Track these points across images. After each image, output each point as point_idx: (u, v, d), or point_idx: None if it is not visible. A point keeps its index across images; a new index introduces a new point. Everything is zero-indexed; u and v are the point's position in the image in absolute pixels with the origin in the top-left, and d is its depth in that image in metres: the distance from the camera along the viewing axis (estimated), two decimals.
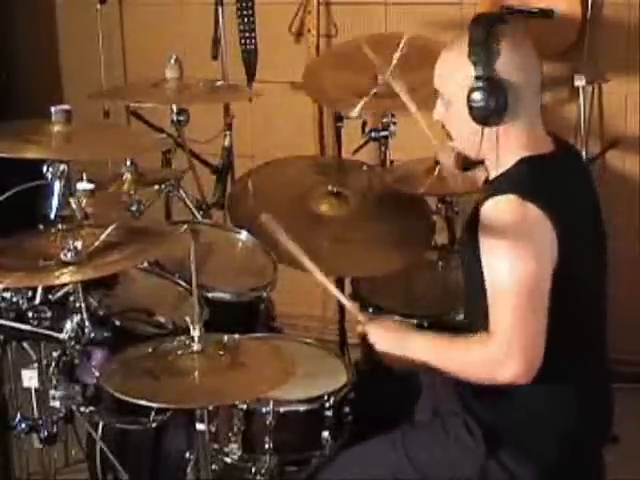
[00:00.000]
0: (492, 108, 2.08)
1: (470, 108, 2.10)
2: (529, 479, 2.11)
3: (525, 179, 2.11)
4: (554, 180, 2.14)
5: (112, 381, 2.12)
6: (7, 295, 2.33)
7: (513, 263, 2.02)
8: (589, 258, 2.15)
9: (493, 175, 2.19)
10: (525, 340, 2.00)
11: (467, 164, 2.27)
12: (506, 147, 2.14)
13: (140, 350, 2.22)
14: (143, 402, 2.02)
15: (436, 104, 2.23)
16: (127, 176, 2.85)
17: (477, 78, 2.09)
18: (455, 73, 2.15)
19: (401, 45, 3.00)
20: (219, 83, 3.37)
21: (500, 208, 2.06)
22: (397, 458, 2.18)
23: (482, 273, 2.07)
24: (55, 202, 2.40)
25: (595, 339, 2.20)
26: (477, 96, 2.09)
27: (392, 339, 2.24)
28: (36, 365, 2.45)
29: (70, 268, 2.12)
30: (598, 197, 2.26)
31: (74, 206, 2.36)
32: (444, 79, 2.19)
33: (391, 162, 3.28)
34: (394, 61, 2.98)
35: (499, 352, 2.02)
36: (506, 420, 2.13)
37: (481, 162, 2.22)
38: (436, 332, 2.28)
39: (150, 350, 2.20)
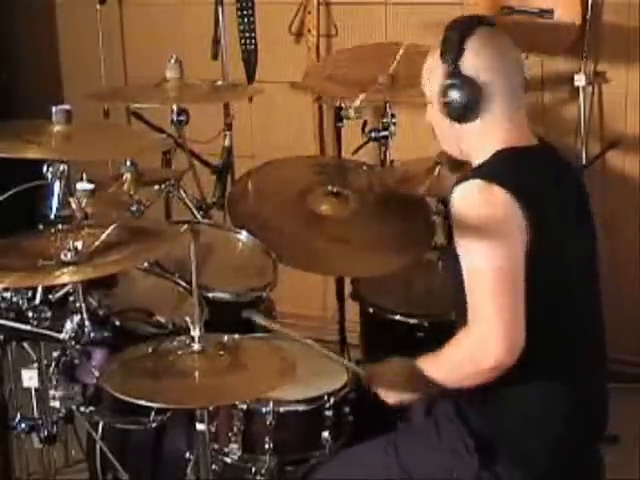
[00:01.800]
0: (460, 104, 2.11)
1: (441, 105, 2.14)
2: None
3: (493, 166, 2.11)
4: (525, 167, 2.13)
5: (112, 381, 2.11)
6: (7, 295, 2.33)
7: (483, 249, 2.02)
8: (570, 251, 2.14)
9: None
10: (503, 321, 2.00)
11: (456, 165, 2.27)
12: (484, 143, 2.15)
13: (140, 350, 2.22)
14: (143, 402, 2.02)
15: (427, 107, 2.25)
16: (127, 176, 2.85)
17: (446, 75, 2.12)
18: (430, 75, 2.19)
19: (397, 57, 3.02)
20: (219, 83, 3.36)
21: (465, 193, 2.07)
22: (389, 462, 2.17)
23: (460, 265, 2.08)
24: (55, 202, 2.40)
25: (587, 337, 2.18)
26: (446, 93, 2.12)
27: (397, 387, 2.23)
28: (36, 365, 2.45)
29: (70, 268, 2.12)
30: (586, 195, 2.25)
31: (74, 206, 2.36)
32: (425, 81, 2.22)
33: (391, 162, 3.28)
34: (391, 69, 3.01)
35: (479, 337, 2.02)
36: (500, 428, 2.11)
37: (467, 162, 2.22)
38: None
39: (150, 350, 2.20)
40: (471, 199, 2.06)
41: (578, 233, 2.19)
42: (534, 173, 2.14)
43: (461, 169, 2.31)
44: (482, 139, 2.15)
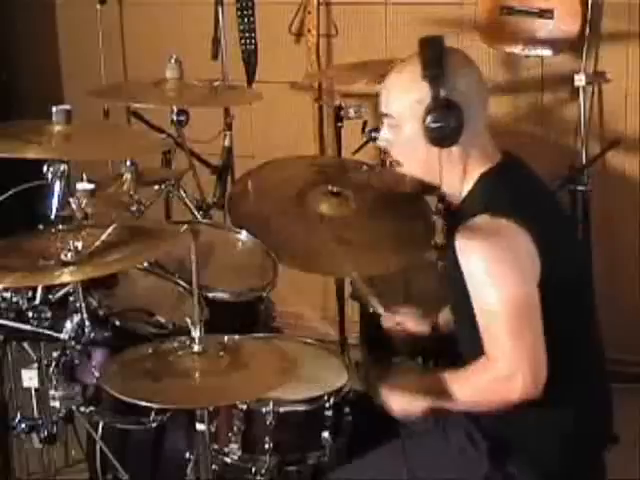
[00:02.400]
0: (446, 128, 2.05)
1: (427, 129, 2.07)
2: None
3: (491, 197, 2.09)
4: (515, 190, 2.12)
5: (112, 382, 2.11)
6: (7, 295, 2.33)
7: (496, 284, 2.00)
8: (568, 258, 2.14)
9: (457, 197, 2.16)
10: (527, 356, 1.99)
11: (423, 190, 2.23)
12: (465, 167, 2.13)
13: (140, 351, 2.22)
14: (143, 403, 2.02)
15: (381, 130, 2.20)
16: (127, 176, 2.85)
17: (434, 98, 2.06)
18: (408, 94, 2.12)
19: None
20: (217, 83, 3.36)
21: (474, 230, 2.04)
22: (397, 469, 2.16)
23: (469, 300, 2.06)
24: (55, 202, 2.40)
25: (590, 341, 2.20)
26: (432, 116, 2.06)
27: (405, 402, 2.20)
28: (36, 365, 2.45)
29: (70, 268, 2.12)
30: (554, 193, 2.25)
31: (74, 206, 2.36)
32: (395, 102, 2.15)
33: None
34: None
35: (504, 374, 2.01)
36: (511, 430, 2.11)
37: (436, 187, 2.18)
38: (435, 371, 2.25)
39: (150, 351, 2.20)
40: (481, 235, 2.03)
41: (573, 243, 2.20)
42: (525, 195, 2.13)
43: (430, 193, 2.27)
44: (461, 161, 2.12)
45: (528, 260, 2.01)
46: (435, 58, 2.07)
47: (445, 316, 2.44)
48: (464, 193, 2.14)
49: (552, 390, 2.04)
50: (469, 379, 2.10)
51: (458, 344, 2.22)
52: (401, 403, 2.20)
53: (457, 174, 2.13)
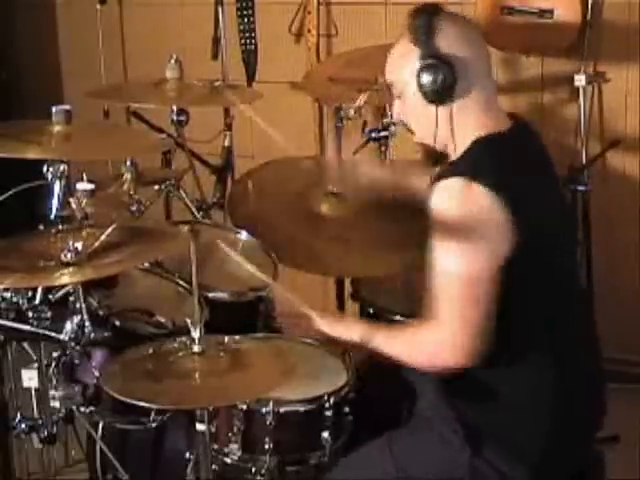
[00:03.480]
0: (438, 83, 2.09)
1: (420, 88, 2.12)
2: (518, 475, 2.10)
3: (476, 160, 2.09)
4: (508, 159, 2.12)
5: (112, 382, 2.11)
6: (7, 295, 2.33)
7: (458, 253, 2.02)
8: (555, 240, 2.14)
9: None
10: (464, 331, 2.02)
11: (434, 158, 2.25)
12: (462, 127, 2.14)
13: (140, 351, 2.22)
14: (143, 403, 2.02)
15: (393, 104, 2.24)
16: (127, 176, 2.85)
17: (422, 57, 2.11)
18: (402, 61, 2.17)
19: None
20: (218, 83, 3.36)
21: (444, 192, 2.05)
22: (385, 463, 2.17)
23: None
24: (55, 202, 2.40)
25: (575, 329, 2.18)
26: (423, 73, 2.10)
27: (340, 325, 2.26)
28: (36, 365, 2.45)
29: (70, 269, 2.12)
30: (557, 176, 2.25)
31: (74, 206, 2.36)
32: (394, 71, 2.20)
33: (391, 162, 3.28)
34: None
35: (439, 339, 2.05)
36: (488, 418, 2.12)
37: (444, 154, 2.20)
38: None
39: (150, 351, 2.20)
40: (452, 198, 2.04)
41: (562, 227, 2.20)
42: (515, 166, 2.11)
43: (441, 162, 2.28)
44: (459, 123, 2.13)
45: (496, 232, 2.01)
46: (423, 23, 2.12)
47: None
48: (458, 154, 2.15)
49: (527, 375, 2.06)
50: (403, 339, 2.15)
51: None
52: (334, 326, 2.25)
53: (456, 136, 2.15)
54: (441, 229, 2.05)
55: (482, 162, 2.08)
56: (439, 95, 2.11)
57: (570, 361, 2.13)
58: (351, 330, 2.23)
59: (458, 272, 2.01)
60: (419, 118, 2.19)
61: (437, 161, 2.25)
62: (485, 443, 2.10)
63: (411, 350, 2.13)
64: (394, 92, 2.22)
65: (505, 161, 2.11)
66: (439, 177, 2.10)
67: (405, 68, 2.15)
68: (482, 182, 2.01)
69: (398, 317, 2.76)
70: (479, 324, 2.01)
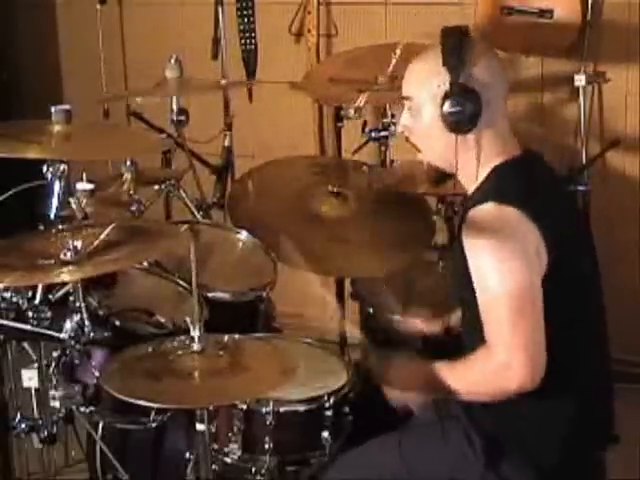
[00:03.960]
0: (463, 114, 2.07)
1: (444, 115, 2.08)
2: None
3: (501, 186, 2.10)
4: (529, 183, 2.13)
5: (112, 381, 2.11)
6: (7, 295, 2.33)
7: (500, 271, 2.01)
8: (578, 256, 2.14)
9: (471, 186, 2.17)
10: (525, 346, 2.00)
11: (439, 177, 2.24)
12: (481, 156, 2.13)
13: (140, 350, 2.22)
14: (143, 403, 2.02)
15: (402, 116, 2.21)
16: (127, 176, 2.85)
17: (452, 84, 2.07)
18: (429, 80, 2.13)
19: (395, 56, 3.02)
20: (224, 82, 3.37)
21: (481, 216, 2.05)
22: (394, 461, 2.17)
23: (472, 285, 2.06)
24: (55, 202, 2.40)
25: (594, 340, 2.19)
26: (450, 101, 2.07)
27: (404, 381, 2.23)
28: (36, 365, 2.45)
29: (70, 267, 2.12)
30: (572, 195, 2.26)
31: (74, 206, 2.36)
32: (416, 87, 2.17)
33: (391, 162, 3.28)
34: (390, 68, 3.01)
35: (502, 363, 2.01)
36: (507, 427, 2.11)
37: (451, 175, 2.19)
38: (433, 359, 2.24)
39: (150, 350, 2.20)
40: (487, 222, 2.04)
41: (582, 245, 2.20)
42: (539, 189, 2.13)
43: (444, 183, 2.28)
44: (479, 151, 2.13)
45: (533, 251, 2.02)
46: (456, 46, 2.09)
47: (457, 317, 2.45)
48: (479, 181, 2.15)
49: (550, 388, 2.04)
50: (468, 369, 2.10)
51: (464, 338, 2.22)
52: (399, 392, 2.22)
53: (472, 163, 2.14)
54: (481, 254, 2.04)
55: (508, 187, 2.09)
56: (462, 125, 2.09)
57: (590, 376, 2.14)
58: (410, 382, 2.21)
59: (504, 292, 2.00)
60: (432, 141, 2.17)
61: (442, 180, 2.25)
62: (503, 456, 2.10)
63: (472, 385, 2.09)
64: (407, 105, 2.19)
65: (527, 184, 2.12)
66: (466, 207, 2.10)
67: (429, 88, 2.12)
68: (512, 204, 2.02)
69: (398, 317, 2.76)
70: (534, 340, 2.00)
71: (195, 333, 2.12)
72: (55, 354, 2.40)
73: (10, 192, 2.59)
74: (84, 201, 2.39)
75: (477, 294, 2.05)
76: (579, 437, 2.13)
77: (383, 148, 3.23)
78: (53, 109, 2.41)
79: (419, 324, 2.56)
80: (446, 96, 2.08)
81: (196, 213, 3.12)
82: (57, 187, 2.40)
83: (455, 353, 2.16)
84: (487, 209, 2.05)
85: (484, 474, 2.10)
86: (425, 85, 2.14)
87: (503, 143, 2.15)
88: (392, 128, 3.06)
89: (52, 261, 2.14)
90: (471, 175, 2.15)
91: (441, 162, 2.19)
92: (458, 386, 2.10)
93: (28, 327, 2.33)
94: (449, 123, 2.09)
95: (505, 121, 2.17)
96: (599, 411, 2.19)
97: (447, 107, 2.08)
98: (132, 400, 2.01)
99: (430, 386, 2.15)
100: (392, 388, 2.25)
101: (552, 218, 2.06)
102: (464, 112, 2.07)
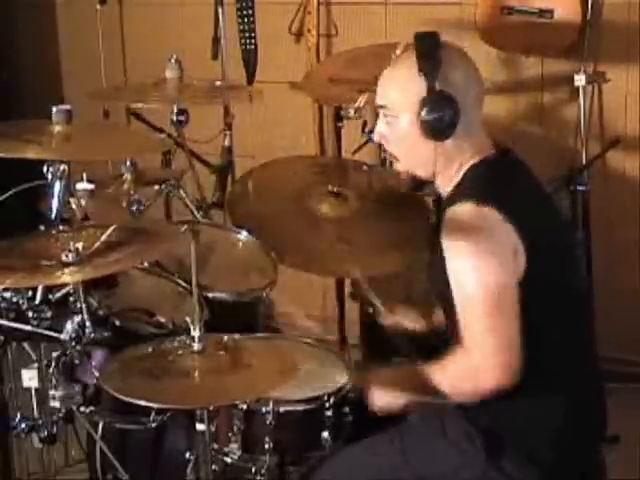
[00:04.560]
0: (442, 122, 2.06)
1: (422, 123, 2.07)
2: None
3: (478, 186, 2.10)
4: (505, 182, 2.13)
5: (112, 381, 2.11)
6: (7, 295, 2.33)
7: (477, 271, 2.01)
8: (560, 255, 2.15)
9: (446, 190, 2.17)
10: (499, 346, 2.00)
11: (417, 185, 2.23)
12: (459, 159, 2.13)
13: (140, 350, 2.22)
14: (143, 402, 2.02)
15: (377, 124, 2.21)
16: (127, 176, 2.85)
17: (428, 91, 2.06)
18: (405, 88, 2.12)
19: (395, 56, 3.01)
20: (218, 83, 3.36)
21: (458, 217, 2.05)
22: (394, 458, 2.18)
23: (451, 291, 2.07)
24: (55, 202, 2.40)
25: (583, 336, 2.20)
26: (429, 109, 2.06)
27: (385, 397, 2.23)
28: (36, 365, 2.45)
29: (71, 268, 2.12)
30: (547, 192, 2.25)
31: (74, 206, 2.36)
32: (392, 95, 2.16)
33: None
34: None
35: (476, 364, 2.03)
36: (506, 424, 2.12)
37: (430, 182, 2.20)
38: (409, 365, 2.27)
39: (150, 350, 2.20)
40: (465, 222, 2.04)
41: (564, 243, 2.20)
42: (515, 188, 2.13)
43: (422, 190, 2.28)
44: (456, 155, 2.13)
45: (510, 252, 2.01)
46: (430, 52, 2.07)
47: (440, 316, 2.45)
48: (453, 184, 2.15)
49: (543, 385, 2.06)
50: (445, 369, 2.10)
51: (449, 337, 2.22)
52: (382, 399, 2.22)
53: (450, 167, 2.15)
54: (458, 254, 2.04)
55: (485, 186, 2.09)
56: (440, 132, 2.08)
57: (581, 373, 2.15)
58: (394, 388, 2.20)
59: (481, 292, 2.01)
60: (410, 149, 2.16)
61: (420, 187, 2.24)
62: (503, 452, 2.10)
63: (451, 385, 2.09)
64: (383, 113, 2.18)
65: (504, 184, 2.12)
66: (443, 207, 2.11)
67: (406, 95, 2.11)
68: (490, 204, 2.02)
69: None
70: (510, 339, 2.00)
71: (195, 333, 2.12)
72: (55, 354, 2.40)
73: (10, 192, 2.59)
74: (84, 201, 2.39)
75: (454, 295, 2.05)
76: (574, 432, 2.13)
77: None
78: (53, 109, 2.41)
79: (406, 323, 2.55)
80: (423, 103, 2.07)
81: (196, 213, 3.11)
82: (57, 187, 2.39)
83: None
84: (465, 209, 2.05)
85: (485, 470, 2.10)
86: (401, 92, 2.13)
87: (479, 145, 2.15)
88: None
89: (53, 262, 2.14)
90: (448, 178, 2.16)
91: (419, 169, 2.18)
92: (439, 386, 2.10)
93: (28, 327, 2.33)
94: (427, 130, 2.08)
95: (481, 123, 2.16)
96: (592, 407, 2.20)
97: (425, 114, 2.07)
98: (132, 400, 2.01)
99: (414, 390, 2.16)
100: (376, 398, 2.24)
101: (529, 220, 2.05)
102: (442, 119, 2.06)
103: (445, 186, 2.18)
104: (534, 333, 2.03)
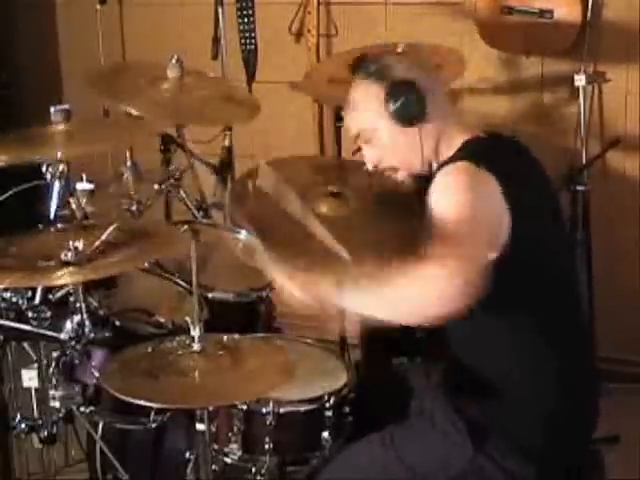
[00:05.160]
0: (412, 101, 2.12)
1: (394, 115, 2.13)
2: (518, 469, 2.10)
3: (472, 151, 2.11)
4: (501, 152, 2.16)
5: (112, 381, 2.11)
6: (7, 295, 2.33)
7: (455, 195, 1.99)
8: (548, 232, 2.15)
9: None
10: (464, 255, 1.87)
11: (421, 182, 2.24)
12: (447, 136, 2.17)
13: (140, 350, 2.22)
14: (143, 402, 2.02)
15: (364, 154, 2.26)
16: (127, 176, 2.85)
17: (386, 86, 2.14)
18: (365, 102, 2.20)
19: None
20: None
21: (448, 172, 2.06)
22: (387, 457, 2.18)
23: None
24: (55, 202, 2.40)
25: (572, 318, 2.19)
26: (393, 99, 2.13)
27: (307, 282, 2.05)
28: (36, 365, 2.45)
29: (70, 268, 2.12)
30: (545, 174, 2.24)
31: (74, 206, 2.36)
32: (358, 117, 2.23)
33: None
34: None
35: (434, 268, 1.87)
36: (489, 412, 2.12)
37: (432, 173, 2.19)
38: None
39: (150, 350, 2.20)
40: (453, 174, 2.05)
41: (554, 222, 2.20)
42: (507, 159, 2.14)
43: (428, 183, 2.28)
44: (441, 136, 2.17)
45: (496, 206, 2.00)
46: (372, 62, 2.20)
47: None
48: (447, 157, 2.16)
49: (533, 368, 2.06)
50: (396, 274, 1.93)
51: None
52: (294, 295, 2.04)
53: (441, 152, 2.18)
54: (439, 192, 2.03)
55: (478, 152, 2.10)
56: (414, 113, 2.14)
57: (568, 357, 2.14)
58: (317, 291, 2.01)
59: (455, 209, 1.96)
60: (400, 148, 2.20)
61: (426, 181, 2.25)
62: (488, 438, 2.10)
63: (399, 299, 1.91)
64: (363, 140, 2.24)
65: (497, 153, 2.14)
66: (440, 166, 2.12)
67: (370, 106, 2.18)
68: (482, 165, 2.02)
69: None
70: (478, 257, 1.89)
71: (195, 333, 2.12)
72: (55, 354, 2.40)
73: (10, 192, 2.59)
74: (84, 201, 2.39)
75: (429, 220, 2.00)
76: (564, 416, 2.12)
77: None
78: (53, 109, 2.40)
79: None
80: (386, 97, 2.14)
81: (196, 213, 3.11)
82: (57, 187, 2.40)
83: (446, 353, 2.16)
84: (458, 164, 2.06)
85: (473, 457, 2.10)
86: (366, 107, 2.20)
87: (463, 127, 2.19)
88: None
89: (52, 262, 2.14)
90: (440, 158, 2.18)
91: (415, 164, 2.21)
92: (388, 294, 1.93)
93: (28, 327, 2.33)
94: (402, 117, 2.14)
95: (458, 115, 2.23)
96: (583, 391, 2.19)
97: (392, 105, 2.14)
98: (132, 400, 2.01)
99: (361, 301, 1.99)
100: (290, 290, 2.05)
101: (519, 187, 2.04)
102: (409, 100, 2.12)
103: (440, 162, 2.20)
104: (520, 313, 2.03)
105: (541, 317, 2.08)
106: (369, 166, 2.27)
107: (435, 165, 2.21)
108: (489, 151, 2.12)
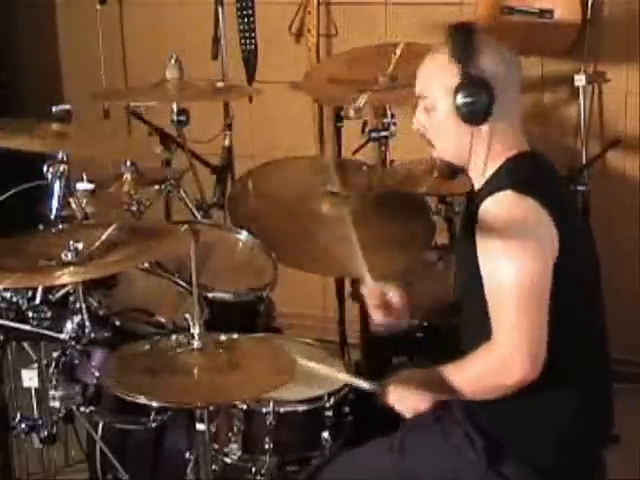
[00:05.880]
0: (479, 104, 2.08)
1: (458, 107, 2.10)
2: None
3: (518, 175, 2.10)
4: (542, 175, 2.15)
5: (112, 379, 2.11)
6: (7, 295, 2.33)
7: (514, 264, 2.01)
8: (584, 253, 2.15)
9: (480, 180, 2.17)
10: (529, 339, 1.99)
11: (452, 173, 2.25)
12: (494, 147, 2.14)
13: (139, 347, 2.22)
14: (142, 400, 2.02)
15: (416, 113, 2.22)
16: (127, 176, 2.85)
17: (462, 75, 2.09)
18: (439, 76, 2.15)
19: (395, 56, 3.02)
20: (219, 84, 3.36)
21: (499, 204, 2.05)
22: (394, 463, 2.17)
23: (480, 275, 2.06)
24: (55, 202, 2.40)
25: (596, 339, 2.19)
26: (463, 93, 2.09)
27: (414, 398, 2.19)
28: (36, 365, 2.45)
29: (70, 268, 2.11)
30: (572, 193, 2.27)
31: (74, 206, 2.36)
32: (428, 83, 2.19)
33: (391, 162, 3.28)
34: (390, 68, 3.02)
35: (504, 356, 2.01)
36: (507, 428, 2.11)
37: (463, 171, 2.20)
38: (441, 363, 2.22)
39: (149, 348, 2.20)
40: (505, 210, 2.04)
41: (587, 242, 2.20)
42: (550, 182, 2.16)
43: (455, 178, 2.28)
44: (492, 143, 2.13)
45: (547, 240, 2.02)
46: (463, 39, 2.11)
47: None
48: (487, 175, 2.15)
49: (550, 387, 2.04)
50: (471, 364, 2.09)
51: (463, 334, 2.22)
52: (407, 401, 2.19)
53: (484, 155, 2.15)
54: (494, 249, 2.04)
55: (524, 177, 2.10)
56: (476, 115, 2.10)
57: (589, 377, 2.15)
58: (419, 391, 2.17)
59: (517, 284, 2.00)
60: (447, 135, 2.18)
61: (453, 175, 2.25)
62: (503, 457, 2.10)
63: (474, 381, 2.08)
64: (422, 103, 2.21)
65: (540, 177, 2.14)
66: (477, 203, 2.10)
67: (441, 83, 2.14)
68: (530, 194, 2.03)
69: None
70: (538, 334, 2.00)
71: (195, 331, 2.12)
72: (55, 354, 2.40)
73: (10, 192, 2.59)
74: (84, 201, 2.39)
75: (486, 287, 2.04)
76: (579, 436, 2.13)
77: (383, 148, 3.23)
78: (53, 109, 2.40)
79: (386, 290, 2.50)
80: (458, 88, 2.10)
81: (196, 213, 3.12)
82: (57, 187, 2.40)
83: (446, 353, 2.17)
84: (504, 197, 2.05)
85: (485, 474, 2.09)
86: (437, 81, 2.16)
87: (514, 137, 2.17)
88: (392, 128, 3.07)
89: (52, 262, 2.14)
90: (482, 168, 2.16)
91: (454, 157, 2.19)
92: (464, 384, 2.09)
93: (28, 327, 2.33)
94: (463, 114, 2.10)
95: (518, 114, 2.18)
96: (599, 410, 2.19)
97: (460, 98, 2.09)
98: (131, 398, 2.00)
99: (435, 392, 2.14)
100: (399, 402, 2.19)
101: (562, 211, 2.07)
102: (477, 102, 2.08)
103: (479, 176, 2.17)
104: (554, 330, 2.02)
105: (563, 333, 2.05)
106: (415, 125, 2.23)
107: (476, 180, 2.18)
108: (535, 177, 2.12)
